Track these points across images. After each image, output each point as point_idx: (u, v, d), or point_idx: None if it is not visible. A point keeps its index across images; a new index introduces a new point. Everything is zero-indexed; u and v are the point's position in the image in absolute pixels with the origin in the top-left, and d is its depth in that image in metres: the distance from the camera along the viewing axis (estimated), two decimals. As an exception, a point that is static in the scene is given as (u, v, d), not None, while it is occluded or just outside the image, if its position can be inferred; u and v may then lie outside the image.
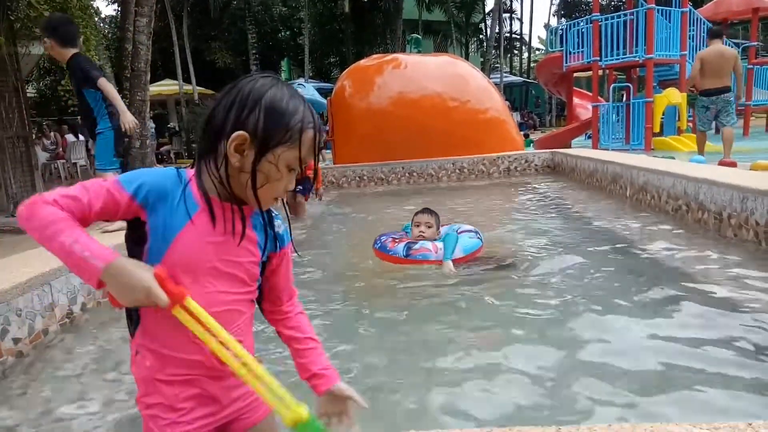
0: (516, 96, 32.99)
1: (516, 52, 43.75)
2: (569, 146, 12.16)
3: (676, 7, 11.55)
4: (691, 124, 11.88)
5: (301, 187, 5.25)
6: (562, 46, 13.05)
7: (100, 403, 2.00)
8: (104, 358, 2.39)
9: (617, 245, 3.70)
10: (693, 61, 8.85)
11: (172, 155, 18.48)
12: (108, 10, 45.91)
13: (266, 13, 27.30)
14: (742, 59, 13.51)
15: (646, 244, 3.67)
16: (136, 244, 1.06)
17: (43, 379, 2.20)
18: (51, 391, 2.11)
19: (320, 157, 1.14)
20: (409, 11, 28.82)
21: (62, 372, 2.27)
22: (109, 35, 22.65)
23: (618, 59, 11.59)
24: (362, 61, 9.74)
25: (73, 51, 4.26)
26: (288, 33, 30.27)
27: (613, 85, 13.05)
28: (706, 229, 3.75)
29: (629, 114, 11.52)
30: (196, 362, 1.08)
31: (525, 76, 37.71)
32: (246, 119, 1.02)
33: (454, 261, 3.37)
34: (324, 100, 11.26)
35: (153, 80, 14.57)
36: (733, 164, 6.84)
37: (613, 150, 10.42)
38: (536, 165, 8.32)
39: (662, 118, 11.44)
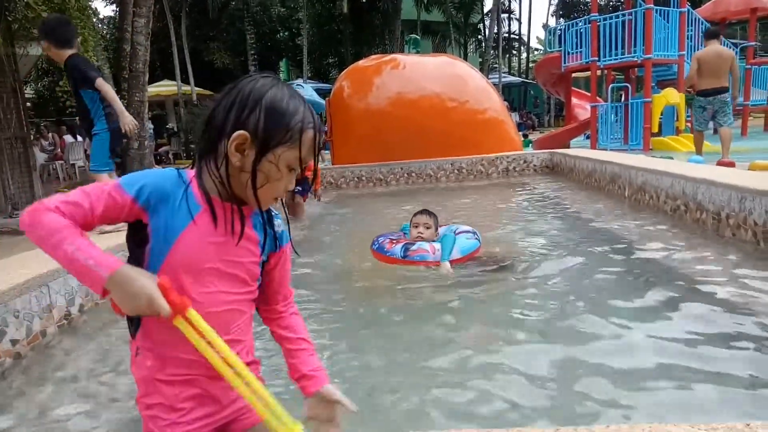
0: (514, 96, 33.02)
1: (514, 52, 43.83)
2: (568, 146, 12.16)
3: (674, 8, 11.57)
4: (689, 124, 11.89)
5: (299, 188, 5.25)
6: (560, 47, 13.06)
7: (98, 404, 1.99)
8: (102, 360, 2.39)
9: (615, 245, 3.70)
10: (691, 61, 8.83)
11: (170, 156, 18.48)
12: (106, 10, 45.89)
13: (265, 13, 27.34)
14: (740, 59, 13.57)
15: (644, 244, 3.67)
16: (138, 245, 1.06)
17: (41, 381, 2.20)
18: (49, 393, 2.10)
19: (320, 157, 1.14)
20: (408, 12, 28.85)
21: (60, 373, 2.27)
22: (108, 36, 22.67)
23: (616, 59, 11.60)
24: (361, 62, 9.74)
25: (70, 52, 4.26)
26: (286, 33, 30.30)
27: (611, 85, 13.07)
28: (704, 229, 3.76)
29: (628, 114, 11.53)
30: (196, 362, 1.08)
31: (523, 76, 37.78)
32: (247, 119, 1.02)
33: (452, 262, 3.37)
34: (322, 101, 11.26)
35: (151, 81, 14.58)
36: (731, 164, 6.85)
37: (611, 150, 10.42)
38: (535, 165, 8.33)
39: (661, 118, 11.46)
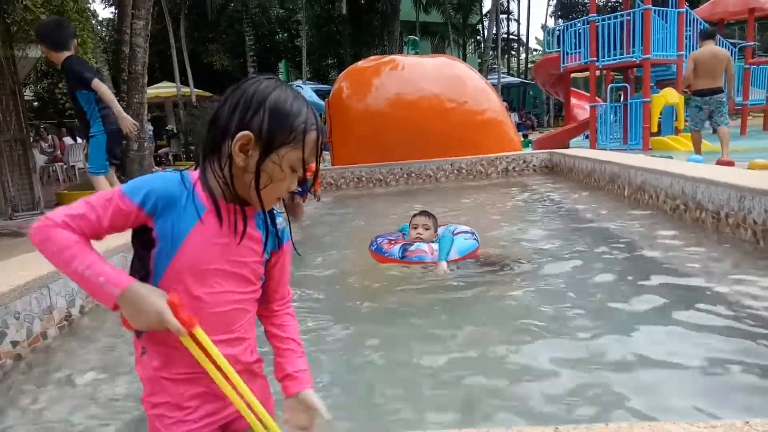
0: (514, 97, 33.05)
1: (513, 53, 43.86)
2: (567, 146, 12.17)
3: (672, 8, 11.59)
4: (688, 124, 11.91)
5: (299, 189, 5.25)
6: (559, 47, 13.07)
7: (98, 405, 1.99)
8: (103, 361, 2.39)
9: (614, 245, 3.70)
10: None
11: (170, 157, 18.47)
12: (105, 12, 45.87)
13: (263, 15, 27.34)
14: (739, 59, 13.60)
15: (643, 243, 3.67)
16: (143, 248, 1.07)
17: (41, 382, 2.20)
18: (49, 394, 2.10)
19: (320, 158, 1.15)
20: (407, 13, 28.85)
21: (61, 375, 2.27)
22: (107, 38, 22.66)
23: (615, 60, 11.61)
24: (360, 63, 9.75)
25: (67, 54, 4.26)
26: (285, 35, 30.30)
27: (610, 85, 13.08)
28: (703, 228, 3.76)
29: (627, 114, 11.54)
30: None
31: (522, 76, 37.81)
32: (251, 120, 1.03)
33: (450, 262, 3.37)
34: (322, 102, 11.26)
35: (150, 83, 14.57)
36: (731, 163, 6.86)
37: (611, 150, 10.44)
38: (534, 165, 8.33)
39: (660, 118, 11.47)
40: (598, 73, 12.31)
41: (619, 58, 11.56)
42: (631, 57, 11.37)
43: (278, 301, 1.25)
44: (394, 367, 2.18)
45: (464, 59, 28.95)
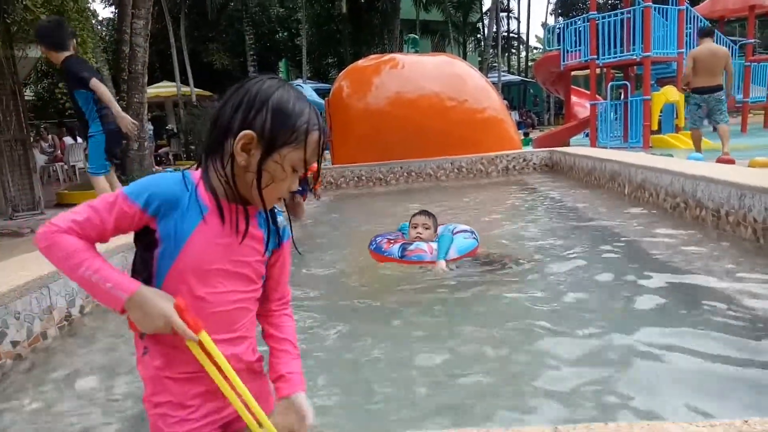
0: (514, 95, 33.02)
1: (514, 51, 43.83)
2: (567, 145, 12.16)
3: (672, 5, 11.57)
4: (686, 122, 11.91)
5: (299, 188, 5.25)
6: (559, 45, 13.05)
7: (98, 405, 1.99)
8: (103, 361, 2.39)
9: (614, 243, 3.70)
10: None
11: (170, 157, 18.46)
12: (105, 12, 45.87)
13: (263, 14, 27.32)
14: (740, 56, 13.58)
15: (643, 242, 3.67)
16: (146, 249, 1.08)
17: (41, 382, 2.20)
18: (50, 394, 2.11)
19: (322, 158, 1.15)
20: (407, 11, 28.84)
21: (61, 375, 2.27)
22: (107, 37, 22.66)
23: (615, 57, 11.60)
24: (360, 62, 9.74)
25: (66, 54, 4.26)
26: (285, 34, 30.28)
27: (610, 83, 13.06)
28: (704, 226, 3.76)
29: (627, 112, 11.54)
30: None
31: (523, 75, 37.78)
32: (253, 119, 1.04)
33: (449, 261, 3.37)
34: (322, 101, 11.26)
35: (150, 82, 14.58)
36: (731, 161, 6.85)
37: (611, 148, 10.42)
38: (535, 164, 8.33)
39: (660, 116, 11.46)
40: (598, 71, 12.30)
41: (620, 56, 11.54)
42: (632, 55, 11.36)
43: (277, 300, 1.25)
44: (392, 366, 2.17)
45: (464, 57, 28.92)
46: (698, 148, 8.20)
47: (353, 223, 5.66)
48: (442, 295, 3.01)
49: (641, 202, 4.85)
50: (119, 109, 4.31)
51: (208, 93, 22.21)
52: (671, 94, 10.99)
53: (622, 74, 13.74)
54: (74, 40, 4.49)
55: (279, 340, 1.24)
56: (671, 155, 7.13)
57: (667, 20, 11.41)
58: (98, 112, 4.29)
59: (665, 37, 11.38)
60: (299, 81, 21.09)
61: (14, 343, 2.36)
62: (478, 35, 36.44)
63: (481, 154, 8.34)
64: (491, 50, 31.89)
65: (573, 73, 14.17)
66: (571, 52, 12.63)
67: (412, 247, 3.44)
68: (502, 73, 32.07)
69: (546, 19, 42.08)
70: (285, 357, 1.22)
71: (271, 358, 1.23)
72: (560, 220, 4.80)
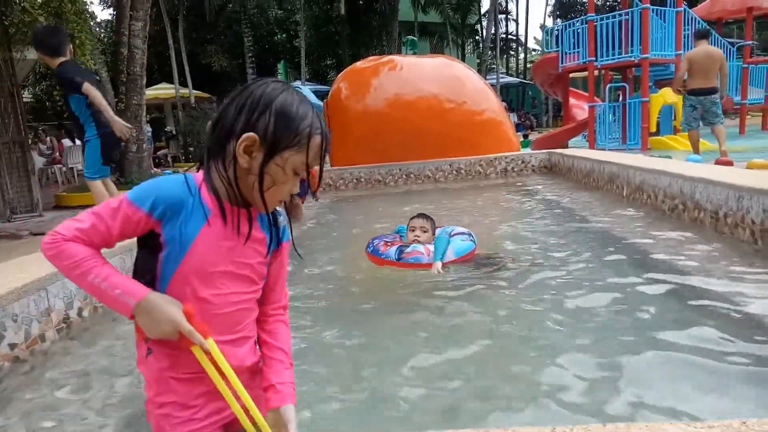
0: (513, 97, 33.07)
1: (512, 53, 43.88)
2: (566, 146, 12.17)
3: (670, 7, 11.60)
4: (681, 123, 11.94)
5: (299, 190, 5.25)
6: (557, 47, 13.08)
7: (97, 407, 1.99)
8: (101, 363, 2.39)
9: (613, 245, 3.71)
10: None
11: (169, 159, 18.45)
12: (104, 14, 45.91)
13: (262, 15, 27.34)
14: (737, 58, 13.61)
15: (641, 243, 3.67)
16: (150, 252, 1.08)
17: (39, 385, 2.20)
18: (48, 397, 2.10)
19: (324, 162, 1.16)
20: (405, 13, 28.86)
21: (59, 377, 2.27)
22: (105, 39, 22.66)
23: (614, 59, 11.62)
24: (358, 63, 9.74)
25: (61, 59, 4.27)
26: (284, 36, 30.32)
27: (609, 85, 13.08)
28: (702, 228, 3.76)
29: (626, 114, 11.55)
30: None
31: (521, 76, 37.84)
32: (256, 122, 1.04)
33: (447, 263, 3.37)
34: (320, 103, 11.26)
35: (149, 84, 14.57)
36: (729, 163, 6.87)
37: (609, 150, 10.44)
38: (533, 165, 8.33)
39: (658, 118, 11.47)
40: (596, 72, 12.32)
41: (618, 58, 11.56)
42: (630, 56, 11.37)
43: (273, 303, 1.24)
44: (391, 367, 2.17)
45: (463, 59, 28.99)
46: (696, 150, 8.21)
47: (351, 225, 5.66)
48: (439, 296, 3.01)
49: (639, 204, 4.86)
50: (112, 113, 4.31)
51: (206, 95, 22.21)
52: (669, 95, 11.01)
53: (620, 76, 13.76)
54: (70, 46, 4.50)
55: (272, 348, 1.22)
56: (670, 157, 7.15)
57: (665, 22, 11.44)
58: (93, 117, 4.29)
59: (663, 38, 11.41)
60: (298, 83, 21.09)
61: (12, 346, 2.36)
62: (477, 37, 36.50)
63: (480, 156, 8.35)
64: (489, 52, 31.93)
65: (571, 75, 14.19)
66: (570, 54, 12.65)
67: (408, 250, 3.44)
68: (501, 75, 32.14)
69: (544, 21, 42.18)
70: (277, 366, 1.20)
71: (264, 367, 1.21)
72: (558, 221, 4.80)
